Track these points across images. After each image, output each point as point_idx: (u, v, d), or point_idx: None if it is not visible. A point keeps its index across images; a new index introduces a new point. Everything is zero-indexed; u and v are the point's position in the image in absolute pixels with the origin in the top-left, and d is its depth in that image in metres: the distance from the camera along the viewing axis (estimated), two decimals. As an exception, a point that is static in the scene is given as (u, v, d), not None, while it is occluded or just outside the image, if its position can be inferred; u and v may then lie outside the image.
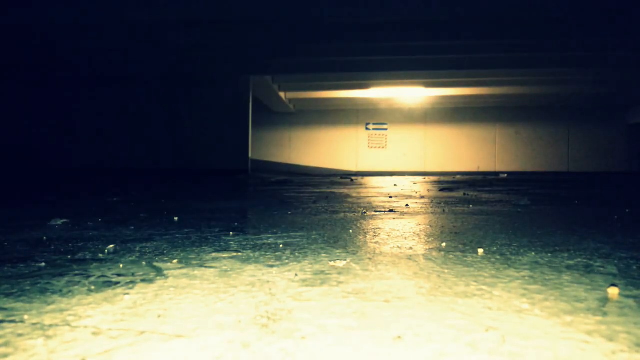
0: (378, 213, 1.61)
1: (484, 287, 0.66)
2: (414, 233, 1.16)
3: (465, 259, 0.84)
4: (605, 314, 0.55)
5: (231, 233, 1.15)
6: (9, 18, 5.82)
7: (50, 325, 0.52)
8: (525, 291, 0.64)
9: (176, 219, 1.45)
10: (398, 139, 14.62)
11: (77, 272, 0.77)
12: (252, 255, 0.89)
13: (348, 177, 5.93)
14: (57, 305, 0.59)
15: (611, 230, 1.18)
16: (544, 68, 8.43)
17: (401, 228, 1.24)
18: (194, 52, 7.70)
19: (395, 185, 3.76)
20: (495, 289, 0.65)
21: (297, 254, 0.89)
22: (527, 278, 0.71)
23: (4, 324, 0.52)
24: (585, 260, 0.83)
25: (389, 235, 1.11)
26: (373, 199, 2.27)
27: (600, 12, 5.76)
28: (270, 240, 1.04)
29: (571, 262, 0.81)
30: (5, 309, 0.58)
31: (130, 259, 0.86)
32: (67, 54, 7.56)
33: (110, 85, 9.08)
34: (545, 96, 12.33)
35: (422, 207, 1.82)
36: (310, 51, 7.68)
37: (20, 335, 0.49)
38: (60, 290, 0.66)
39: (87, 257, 0.88)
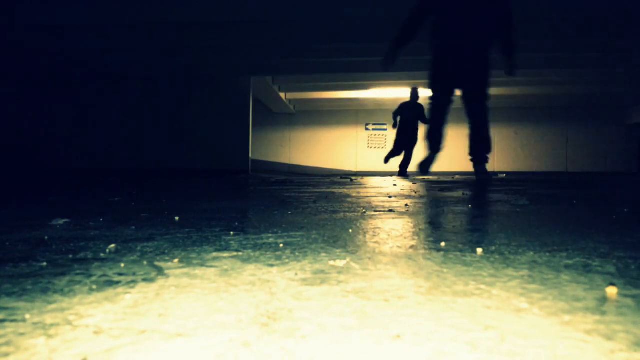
0: (377, 213, 1.61)
1: (482, 287, 0.66)
2: (413, 233, 1.16)
3: (464, 258, 0.85)
4: (603, 313, 0.55)
5: (232, 233, 1.16)
6: (11, 18, 5.82)
7: (52, 325, 0.52)
8: (524, 290, 0.64)
9: (177, 218, 1.45)
10: (398, 139, 14.52)
11: (78, 271, 0.77)
12: (252, 254, 0.89)
13: (348, 177, 5.93)
14: (59, 304, 0.60)
15: (610, 230, 1.18)
16: (543, 69, 8.43)
17: (400, 228, 1.25)
18: (194, 52, 7.70)
19: (394, 185, 3.77)
20: (494, 288, 0.66)
21: (297, 254, 0.89)
22: (525, 277, 0.71)
23: (6, 323, 0.53)
24: (583, 260, 0.83)
25: (388, 235, 1.12)
26: (372, 198, 2.28)
27: (599, 13, 5.76)
28: (271, 240, 1.05)
29: (570, 262, 0.82)
30: (6, 308, 0.58)
31: (132, 258, 0.86)
32: (66, 53, 7.56)
33: (110, 85, 9.06)
34: (544, 96, 12.32)
35: (421, 207, 1.82)
36: (311, 52, 7.68)
37: (21, 334, 0.50)
38: (62, 290, 0.66)
39: (89, 256, 0.89)
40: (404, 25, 4.12)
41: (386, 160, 8.21)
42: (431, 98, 4.28)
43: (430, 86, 4.26)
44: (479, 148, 4.23)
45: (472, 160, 4.33)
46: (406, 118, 7.88)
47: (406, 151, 8.06)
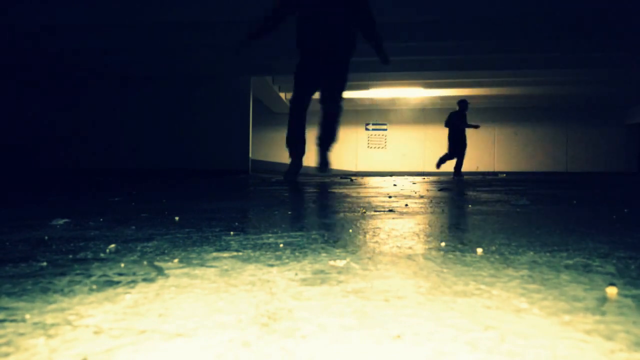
0: (377, 213, 1.61)
1: (482, 287, 0.66)
2: (413, 232, 1.16)
3: (464, 258, 0.85)
4: (603, 313, 0.55)
5: (232, 232, 1.16)
6: (11, 18, 5.81)
7: (52, 325, 0.52)
8: (524, 290, 0.64)
9: (177, 218, 1.45)
10: (397, 139, 14.59)
11: (78, 271, 0.77)
12: (252, 254, 0.89)
13: (348, 177, 5.93)
14: (59, 304, 0.60)
15: (610, 230, 1.18)
16: (543, 69, 8.42)
17: (400, 227, 1.25)
18: (194, 52, 7.69)
19: (394, 185, 3.77)
20: (494, 288, 0.66)
21: (297, 254, 0.89)
22: (525, 277, 0.71)
23: (6, 323, 0.53)
24: (583, 260, 0.83)
25: (388, 235, 1.12)
26: (372, 198, 2.28)
27: (598, 13, 5.76)
28: (271, 240, 1.05)
29: (570, 262, 0.82)
30: (6, 308, 0.58)
31: (132, 258, 0.86)
32: (66, 54, 7.55)
33: (110, 85, 9.05)
34: (543, 97, 12.31)
35: (421, 207, 1.82)
36: (310, 51, 7.63)
37: (21, 334, 0.50)
38: (62, 290, 0.66)
39: (89, 256, 0.89)
40: (265, 19, 4.05)
41: (439, 164, 9.26)
42: (293, 100, 4.15)
43: (296, 87, 4.17)
44: (327, 139, 4.32)
45: (318, 145, 4.34)
46: (456, 126, 8.95)
47: (458, 154, 9.13)
